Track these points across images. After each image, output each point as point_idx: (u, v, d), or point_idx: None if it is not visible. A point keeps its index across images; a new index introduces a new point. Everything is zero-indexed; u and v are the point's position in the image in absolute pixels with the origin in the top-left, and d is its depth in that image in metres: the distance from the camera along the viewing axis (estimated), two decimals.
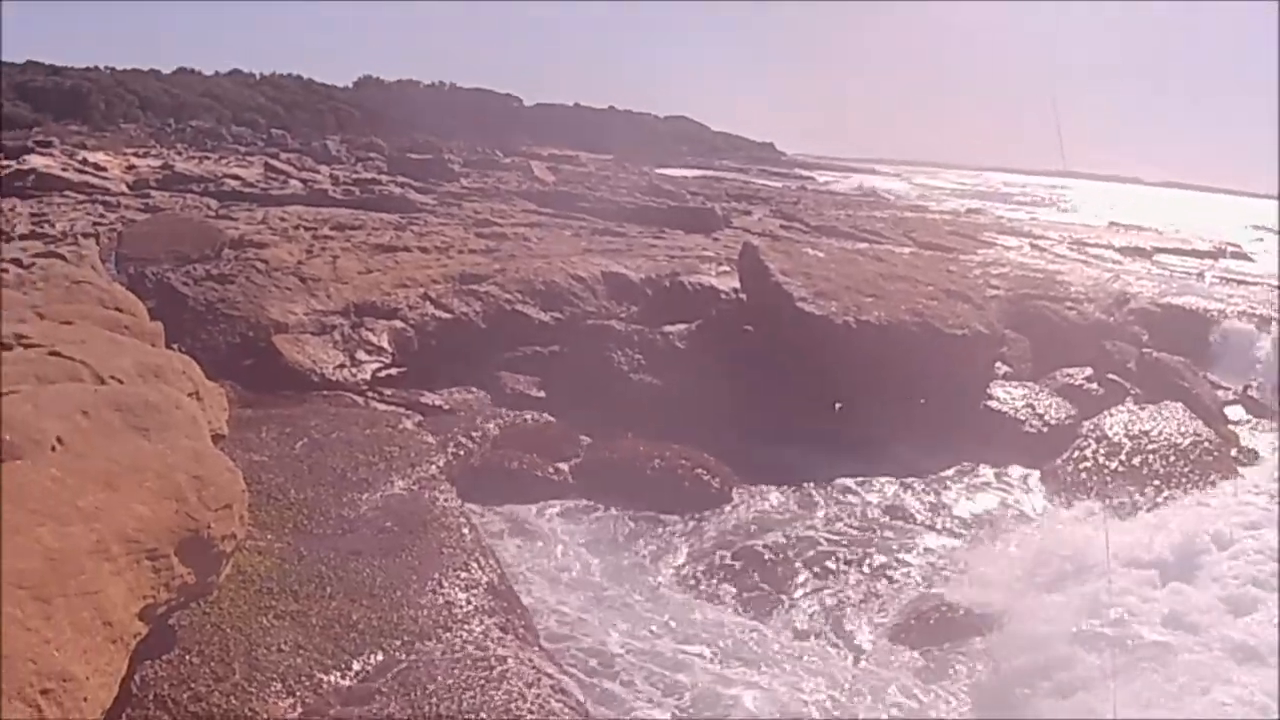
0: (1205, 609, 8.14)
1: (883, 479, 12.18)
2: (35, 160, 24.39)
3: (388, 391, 12.51)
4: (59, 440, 4.73)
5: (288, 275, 14.51)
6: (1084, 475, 12.74)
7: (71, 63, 57.11)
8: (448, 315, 14.40)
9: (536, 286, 15.33)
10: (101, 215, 18.28)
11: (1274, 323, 19.45)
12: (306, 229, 18.01)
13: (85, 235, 15.60)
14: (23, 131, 34.49)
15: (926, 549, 10.54)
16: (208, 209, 20.45)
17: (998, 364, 15.50)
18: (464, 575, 7.17)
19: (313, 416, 10.38)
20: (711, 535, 10.36)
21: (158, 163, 28.97)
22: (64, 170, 23.52)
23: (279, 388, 11.87)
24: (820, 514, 11.22)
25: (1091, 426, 13.92)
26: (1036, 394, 14.82)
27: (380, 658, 5.94)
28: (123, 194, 21.87)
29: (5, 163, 23.95)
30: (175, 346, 10.03)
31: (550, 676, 6.17)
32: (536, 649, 6.73)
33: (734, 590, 9.22)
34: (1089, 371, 15.96)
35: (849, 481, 12.05)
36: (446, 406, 12.34)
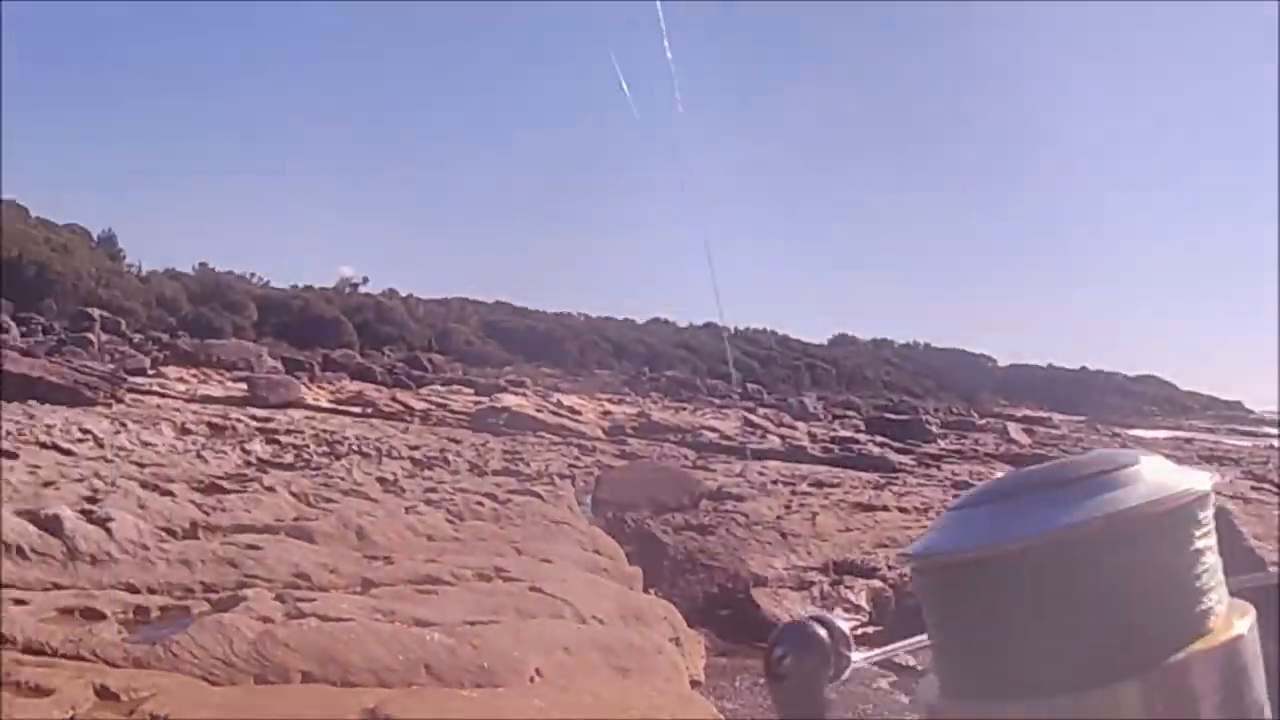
0: None
1: None
2: (508, 399, 26.26)
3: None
4: (537, 672, 4.80)
5: (768, 529, 14.73)
6: None
7: (543, 306, 59.21)
8: None
9: None
10: (577, 458, 19.27)
11: None
12: (785, 484, 18.41)
13: (561, 476, 16.58)
14: (494, 370, 37.34)
15: None
16: (684, 459, 21.39)
17: None
18: None
19: None
20: None
21: (633, 410, 29.97)
22: (538, 411, 24.98)
23: (755, 638, 11.65)
24: None
25: None
26: None
27: None
28: (598, 438, 22.79)
29: (478, 399, 26.28)
30: (652, 591, 10.30)
31: None
32: None
33: None
34: None
35: None
36: (920, 667, 11.25)
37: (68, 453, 12.52)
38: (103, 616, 5.79)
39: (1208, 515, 0.66)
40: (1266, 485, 23.78)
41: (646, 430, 24.99)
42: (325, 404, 24.20)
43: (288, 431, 18.28)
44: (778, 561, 13.73)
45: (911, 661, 11.73)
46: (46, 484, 9.41)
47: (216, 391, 23.88)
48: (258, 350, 30.05)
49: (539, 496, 12.01)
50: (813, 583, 13.35)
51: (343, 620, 5.71)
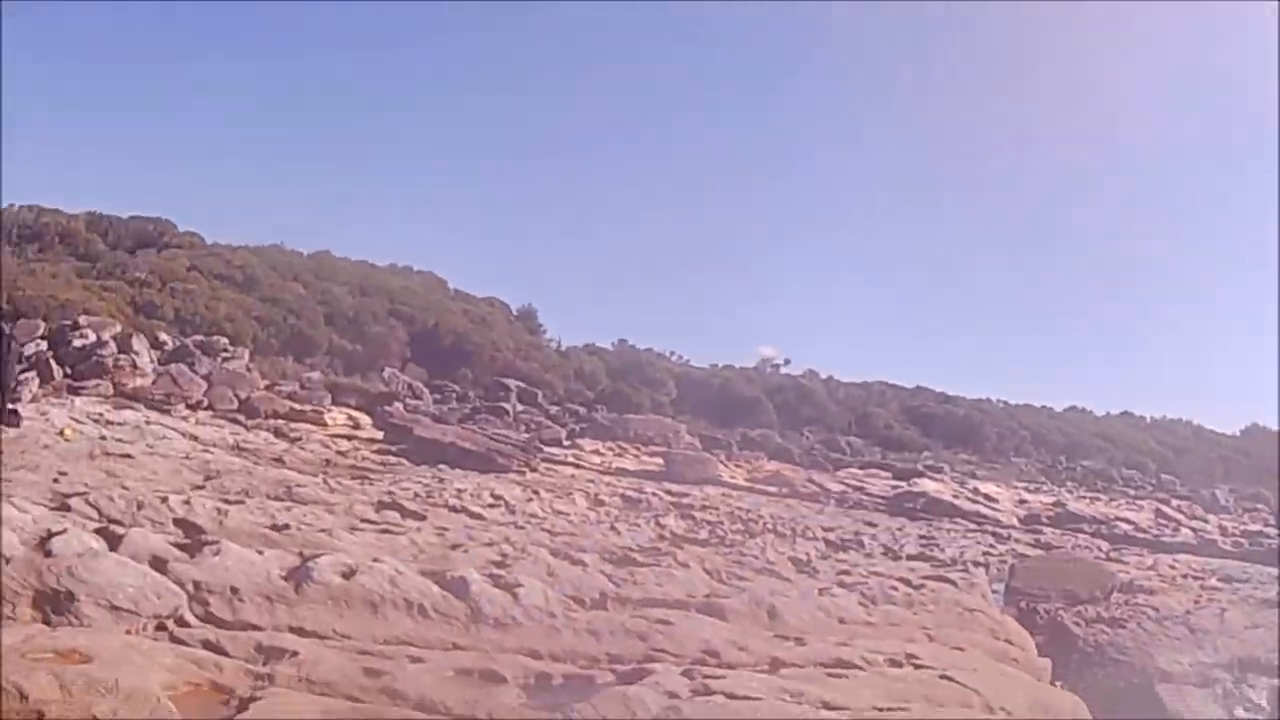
0: None
1: None
2: (926, 484, 25.62)
3: None
4: None
5: (1176, 624, 14.42)
6: None
7: (963, 392, 56.88)
8: None
9: None
10: (991, 545, 18.90)
11: None
12: (1194, 578, 17.64)
13: (975, 564, 16.40)
14: (913, 455, 36.24)
15: None
16: (1098, 550, 20.45)
17: None
18: None
19: None
20: None
21: (1049, 499, 28.62)
22: (954, 497, 24.37)
23: None
24: None
25: None
26: None
27: None
28: (1013, 526, 22.23)
29: (896, 483, 25.75)
30: (1058, 684, 9.86)
31: None
32: None
33: None
34: None
35: None
36: None
37: (477, 517, 12.71)
38: (503, 680, 5.80)
39: None
40: None
41: (1062, 520, 24.16)
42: (741, 482, 24.44)
43: (703, 507, 18.32)
44: (1184, 657, 13.44)
45: None
46: (454, 546, 9.52)
47: (632, 465, 24.43)
48: (675, 426, 30.22)
49: (953, 583, 11.59)
50: (1217, 680, 13.00)
51: (750, 699, 5.70)
